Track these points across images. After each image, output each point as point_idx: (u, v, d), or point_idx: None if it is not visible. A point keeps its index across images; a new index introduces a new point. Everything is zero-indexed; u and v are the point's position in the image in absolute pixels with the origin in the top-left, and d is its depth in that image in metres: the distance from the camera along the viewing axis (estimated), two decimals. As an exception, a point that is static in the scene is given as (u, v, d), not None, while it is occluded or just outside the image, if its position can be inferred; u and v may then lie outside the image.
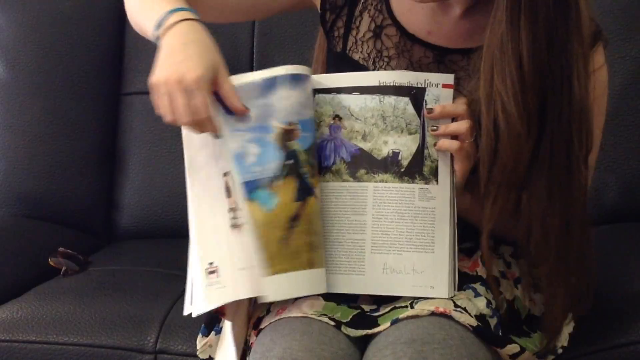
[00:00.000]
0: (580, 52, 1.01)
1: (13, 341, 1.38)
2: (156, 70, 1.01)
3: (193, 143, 1.06)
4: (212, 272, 1.01)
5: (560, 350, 1.15)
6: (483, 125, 1.01)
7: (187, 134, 1.06)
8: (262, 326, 1.05)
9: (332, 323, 1.01)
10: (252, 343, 1.07)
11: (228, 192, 1.03)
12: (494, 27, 1.00)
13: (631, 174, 1.64)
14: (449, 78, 1.03)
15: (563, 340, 1.16)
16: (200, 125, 1.00)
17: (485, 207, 1.04)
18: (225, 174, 1.03)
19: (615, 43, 1.65)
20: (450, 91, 1.03)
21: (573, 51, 1.00)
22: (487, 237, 1.05)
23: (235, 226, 1.02)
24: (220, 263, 1.01)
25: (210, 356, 1.16)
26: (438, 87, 1.04)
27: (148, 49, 1.87)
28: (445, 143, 1.03)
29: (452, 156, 1.03)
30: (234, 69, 1.82)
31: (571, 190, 1.03)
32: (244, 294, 1.01)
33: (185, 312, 1.05)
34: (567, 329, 1.17)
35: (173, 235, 1.79)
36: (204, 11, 1.10)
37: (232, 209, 1.02)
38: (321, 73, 1.19)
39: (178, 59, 1.00)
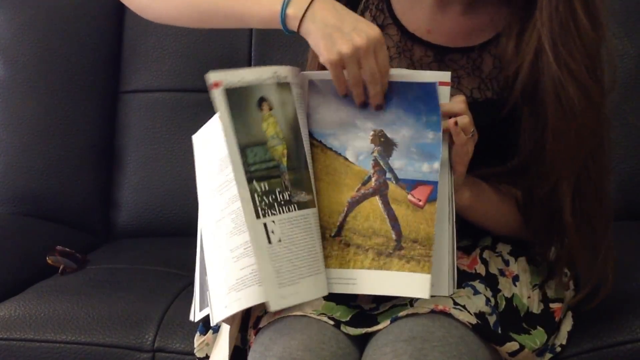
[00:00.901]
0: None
1: (11, 339, 1.38)
2: (333, 43, 0.97)
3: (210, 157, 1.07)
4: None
5: (559, 348, 1.15)
6: (554, 99, 1.03)
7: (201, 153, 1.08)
8: (261, 325, 1.05)
9: (332, 322, 1.01)
10: (251, 342, 1.07)
11: None
12: (544, 4, 1.02)
13: (629, 173, 1.65)
14: (446, 76, 1.03)
15: (562, 338, 1.16)
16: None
17: (535, 187, 1.08)
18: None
19: (613, 42, 1.65)
20: (448, 89, 1.03)
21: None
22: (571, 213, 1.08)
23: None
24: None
25: (207, 355, 1.16)
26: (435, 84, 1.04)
27: (146, 47, 1.88)
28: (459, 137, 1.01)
29: (449, 153, 1.03)
30: (232, 68, 1.84)
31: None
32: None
33: (197, 318, 1.07)
34: (566, 327, 1.17)
35: (171, 233, 1.79)
36: None
37: None
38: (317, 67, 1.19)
39: (352, 24, 0.97)
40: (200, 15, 1.09)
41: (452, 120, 1.00)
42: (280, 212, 0.99)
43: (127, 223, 1.84)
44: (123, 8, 1.91)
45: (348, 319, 1.03)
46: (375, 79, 0.98)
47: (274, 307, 0.97)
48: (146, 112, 1.85)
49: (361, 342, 1.02)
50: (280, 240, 0.98)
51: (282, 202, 0.99)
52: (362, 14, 1.16)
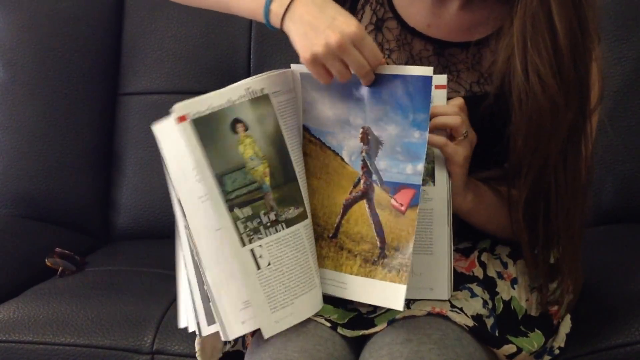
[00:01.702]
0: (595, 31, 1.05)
1: (10, 341, 1.38)
2: (308, 42, 0.96)
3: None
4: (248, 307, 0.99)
5: (557, 351, 1.15)
6: (518, 98, 1.02)
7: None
8: (258, 326, 1.05)
9: (328, 324, 1.01)
10: (248, 344, 1.07)
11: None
12: (523, 2, 1.01)
13: (628, 175, 1.65)
14: (442, 79, 1.02)
15: (560, 340, 1.16)
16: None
17: (517, 189, 1.06)
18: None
19: (613, 45, 1.65)
20: (444, 92, 1.02)
21: (591, 30, 1.03)
22: (522, 211, 1.06)
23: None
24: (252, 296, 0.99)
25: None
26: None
27: (145, 49, 1.89)
28: (432, 138, 1.00)
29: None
30: (232, 72, 1.85)
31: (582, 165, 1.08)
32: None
33: (206, 334, 1.02)
34: (564, 329, 1.17)
35: (170, 235, 1.76)
36: None
37: None
38: None
39: (327, 22, 0.95)
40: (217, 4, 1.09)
41: (438, 119, 1.00)
42: (267, 235, 0.97)
43: (125, 225, 1.85)
44: (122, 10, 1.91)
45: (345, 321, 1.03)
46: (364, 71, 0.97)
47: (268, 333, 0.97)
48: (145, 115, 1.85)
49: (358, 345, 1.02)
50: (269, 264, 0.97)
51: (269, 224, 0.97)
52: (363, 8, 1.17)
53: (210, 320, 1.00)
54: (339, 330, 1.01)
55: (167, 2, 1.89)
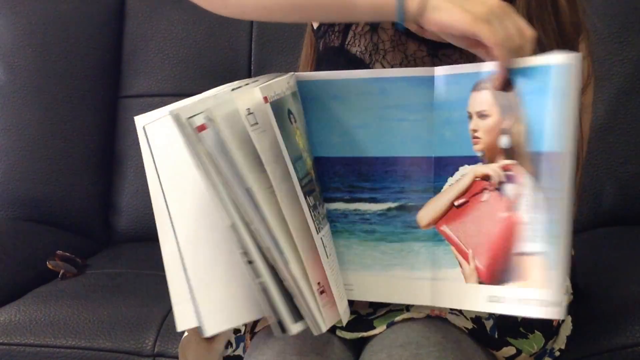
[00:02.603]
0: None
1: (11, 344, 1.39)
2: (469, 10, 0.90)
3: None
4: (322, 292, 0.94)
5: (557, 353, 1.15)
6: None
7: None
8: (256, 329, 1.05)
9: (326, 327, 1.01)
10: (247, 347, 1.07)
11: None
12: None
13: (628, 178, 1.64)
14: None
15: (560, 342, 1.16)
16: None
17: None
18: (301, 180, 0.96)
19: (613, 46, 1.65)
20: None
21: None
22: None
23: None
24: (324, 281, 0.95)
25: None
26: None
27: (146, 52, 1.89)
28: None
29: None
30: (233, 74, 1.85)
31: None
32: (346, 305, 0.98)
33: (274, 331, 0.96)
34: (565, 331, 1.17)
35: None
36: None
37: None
38: (310, 70, 1.19)
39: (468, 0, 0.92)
40: (300, 6, 0.99)
41: None
42: (324, 226, 0.97)
43: (127, 228, 1.85)
44: (123, 13, 1.92)
45: (344, 324, 1.03)
46: (517, 43, 0.91)
47: (344, 319, 0.97)
48: (146, 117, 1.85)
49: (357, 348, 1.02)
50: (329, 256, 0.96)
51: (322, 217, 0.97)
52: None
53: (296, 318, 0.94)
54: (338, 332, 1.01)
55: (168, 4, 1.91)
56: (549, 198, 0.89)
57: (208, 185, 0.91)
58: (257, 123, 0.88)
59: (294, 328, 0.93)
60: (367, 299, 1.03)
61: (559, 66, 0.87)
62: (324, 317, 0.93)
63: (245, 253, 0.93)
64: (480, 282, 0.94)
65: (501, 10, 0.91)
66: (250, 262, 0.93)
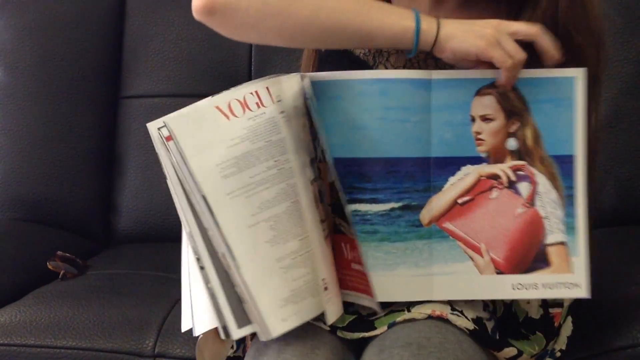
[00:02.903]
0: None
1: (12, 345, 1.38)
2: (479, 35, 0.97)
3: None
4: (325, 289, 0.98)
5: (558, 354, 1.15)
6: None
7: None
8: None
9: (327, 328, 1.01)
10: (247, 347, 1.07)
11: (316, 202, 0.99)
12: None
13: (630, 177, 1.64)
14: None
15: (561, 343, 1.16)
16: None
17: None
18: (312, 181, 0.99)
19: (615, 46, 1.65)
20: None
21: None
22: None
23: (325, 237, 1.00)
24: (329, 277, 0.99)
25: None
26: None
27: (147, 53, 1.89)
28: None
29: None
30: (233, 75, 1.85)
31: None
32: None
33: (238, 336, 0.98)
34: (566, 332, 1.17)
35: (171, 238, 1.78)
36: None
37: (322, 220, 1.00)
38: (312, 71, 1.19)
39: (479, 21, 1.00)
40: (322, 33, 1.01)
41: None
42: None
43: (127, 228, 1.85)
44: (123, 14, 1.92)
45: (345, 324, 1.02)
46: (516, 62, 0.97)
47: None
48: (146, 118, 1.83)
49: (357, 348, 1.02)
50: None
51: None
52: None
53: (242, 323, 0.97)
54: (339, 333, 1.01)
55: (168, 4, 1.90)
56: (565, 195, 1.00)
57: (173, 192, 0.97)
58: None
59: (237, 333, 0.97)
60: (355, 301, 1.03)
61: (566, 79, 0.98)
62: (328, 312, 0.98)
63: (199, 259, 0.97)
64: (500, 273, 1.01)
65: (502, 27, 0.98)
66: (202, 267, 0.97)
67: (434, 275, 1.01)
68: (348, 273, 1.02)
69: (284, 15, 1.01)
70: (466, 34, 0.97)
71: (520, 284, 1.01)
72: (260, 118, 0.95)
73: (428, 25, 0.99)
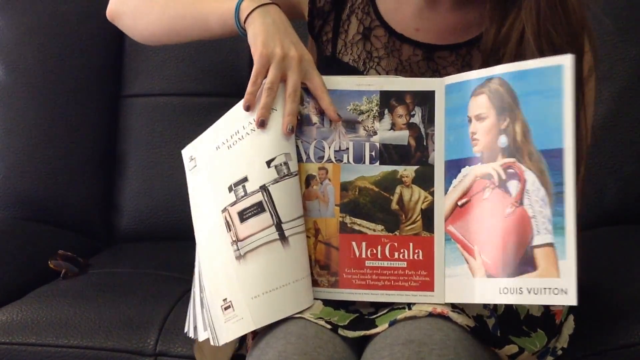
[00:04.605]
0: None
1: (13, 344, 1.38)
2: (270, 44, 1.04)
3: (193, 183, 1.10)
4: (227, 308, 1.02)
5: (560, 352, 1.15)
6: None
7: (188, 175, 1.11)
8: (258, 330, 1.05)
9: (329, 326, 1.01)
10: (249, 347, 1.07)
11: (228, 226, 1.04)
12: None
13: (631, 176, 1.64)
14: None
15: (563, 341, 1.16)
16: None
17: None
18: (223, 210, 1.04)
19: (614, 45, 1.65)
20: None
21: None
22: None
23: (239, 257, 1.02)
24: (233, 297, 1.02)
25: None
26: None
27: (148, 52, 1.89)
28: None
29: None
30: (235, 73, 1.85)
31: None
32: (263, 321, 1.01)
33: (202, 338, 1.06)
34: (567, 330, 1.17)
35: (173, 237, 1.79)
36: None
37: (234, 241, 1.03)
38: None
39: (291, 39, 1.05)
40: (171, 21, 1.17)
41: None
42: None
43: (128, 227, 1.85)
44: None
45: (346, 323, 1.03)
46: (292, 95, 1.02)
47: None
48: (148, 117, 1.85)
49: (358, 347, 1.01)
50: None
51: None
52: (349, 18, 1.18)
53: (205, 327, 1.06)
54: (340, 331, 1.01)
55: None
56: (553, 193, 0.94)
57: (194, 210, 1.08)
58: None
59: (202, 335, 1.04)
60: (373, 300, 1.04)
61: (553, 68, 0.94)
62: (227, 329, 1.02)
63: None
64: (489, 276, 0.97)
65: (296, 64, 1.03)
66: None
67: (446, 278, 1.02)
68: (359, 271, 1.02)
69: (153, 14, 1.19)
70: (264, 32, 1.04)
71: (506, 288, 0.96)
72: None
73: (248, 4, 1.07)
